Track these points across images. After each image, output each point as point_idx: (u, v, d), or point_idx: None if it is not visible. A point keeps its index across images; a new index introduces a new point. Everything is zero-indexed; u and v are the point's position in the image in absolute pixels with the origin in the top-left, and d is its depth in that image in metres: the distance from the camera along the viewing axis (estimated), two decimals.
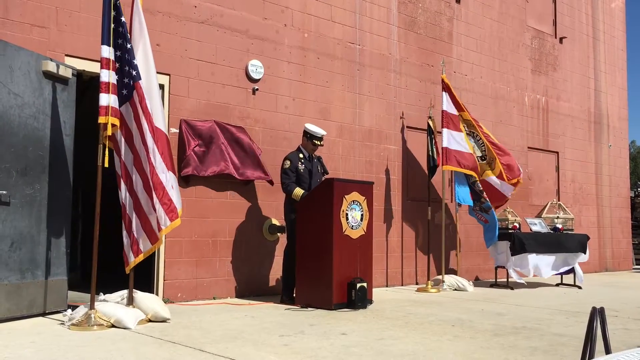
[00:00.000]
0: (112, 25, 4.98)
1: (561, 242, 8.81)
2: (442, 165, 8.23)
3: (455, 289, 8.13)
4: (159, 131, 5.11)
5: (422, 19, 9.21)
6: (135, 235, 5.08)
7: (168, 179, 5.06)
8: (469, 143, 8.41)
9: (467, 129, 8.53)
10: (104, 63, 4.94)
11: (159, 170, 4.98)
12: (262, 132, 7.22)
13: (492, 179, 8.73)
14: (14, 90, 4.96)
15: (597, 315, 2.13)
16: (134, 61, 5.03)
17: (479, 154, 8.68)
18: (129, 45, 5.03)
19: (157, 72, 6.23)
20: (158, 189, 4.97)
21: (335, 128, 7.97)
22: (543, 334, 4.82)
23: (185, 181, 6.51)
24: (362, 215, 6.35)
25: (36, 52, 5.32)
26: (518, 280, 8.31)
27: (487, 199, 8.48)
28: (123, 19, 5.04)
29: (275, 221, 7.15)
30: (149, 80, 5.18)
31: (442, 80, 8.43)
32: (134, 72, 5.01)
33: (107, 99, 4.91)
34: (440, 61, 8.96)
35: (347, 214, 6.16)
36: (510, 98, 10.50)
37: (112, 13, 4.99)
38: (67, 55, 5.82)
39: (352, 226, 6.22)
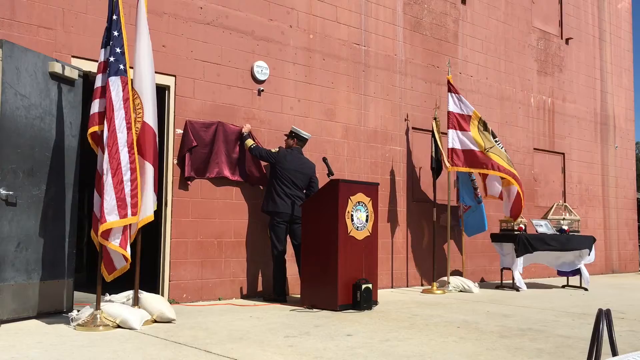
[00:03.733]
0: (116, 32, 4.96)
1: (567, 243, 8.78)
2: (449, 166, 8.24)
3: (461, 291, 8.11)
4: (147, 126, 5.12)
5: (427, 20, 9.20)
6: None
7: (128, 177, 4.86)
8: (481, 142, 8.24)
9: (485, 128, 8.37)
10: (101, 68, 4.96)
11: (122, 164, 4.83)
12: (267, 133, 7.22)
13: (513, 188, 8.47)
14: (21, 91, 4.98)
15: (604, 317, 2.12)
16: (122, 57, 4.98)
17: (504, 158, 8.35)
18: (118, 50, 4.99)
19: (163, 73, 6.32)
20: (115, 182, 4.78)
21: (340, 129, 7.97)
22: (549, 336, 4.80)
23: (189, 182, 6.52)
24: (367, 216, 6.35)
25: (43, 53, 5.34)
26: (519, 284, 8.27)
27: (480, 195, 8.59)
28: (120, 22, 5.04)
29: None
30: (145, 80, 5.18)
31: (448, 81, 8.42)
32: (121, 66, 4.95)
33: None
34: (446, 62, 8.96)
35: (352, 215, 6.16)
36: (516, 99, 10.47)
37: (114, 16, 4.99)
38: (73, 56, 5.84)
39: (357, 227, 6.22)
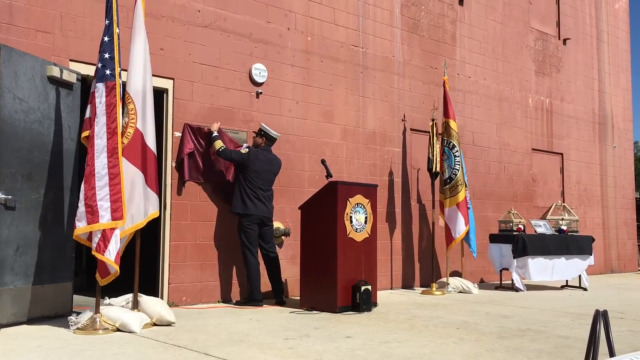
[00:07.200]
0: (106, 38, 4.96)
1: (566, 244, 8.79)
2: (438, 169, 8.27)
3: (460, 292, 8.11)
4: (136, 131, 5.10)
5: (425, 22, 9.21)
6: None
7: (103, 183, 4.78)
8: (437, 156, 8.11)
9: (451, 142, 8.29)
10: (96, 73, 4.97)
11: (97, 169, 4.78)
12: None
13: (453, 209, 8.16)
14: (19, 95, 4.99)
15: (601, 318, 2.13)
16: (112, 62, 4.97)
17: (446, 175, 8.18)
18: (107, 55, 4.96)
19: (161, 76, 6.32)
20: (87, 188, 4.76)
21: (339, 131, 7.98)
22: (548, 337, 4.81)
23: (187, 184, 6.52)
24: (366, 218, 6.35)
25: (41, 57, 5.35)
26: (518, 285, 8.27)
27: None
28: (118, 30, 5.04)
29: (280, 225, 7.16)
30: (135, 84, 5.16)
31: (444, 83, 8.44)
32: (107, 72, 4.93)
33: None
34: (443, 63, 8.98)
35: (351, 217, 6.16)
36: (514, 100, 10.49)
37: (106, 21, 4.98)
38: (71, 60, 5.85)
39: (356, 229, 6.22)
